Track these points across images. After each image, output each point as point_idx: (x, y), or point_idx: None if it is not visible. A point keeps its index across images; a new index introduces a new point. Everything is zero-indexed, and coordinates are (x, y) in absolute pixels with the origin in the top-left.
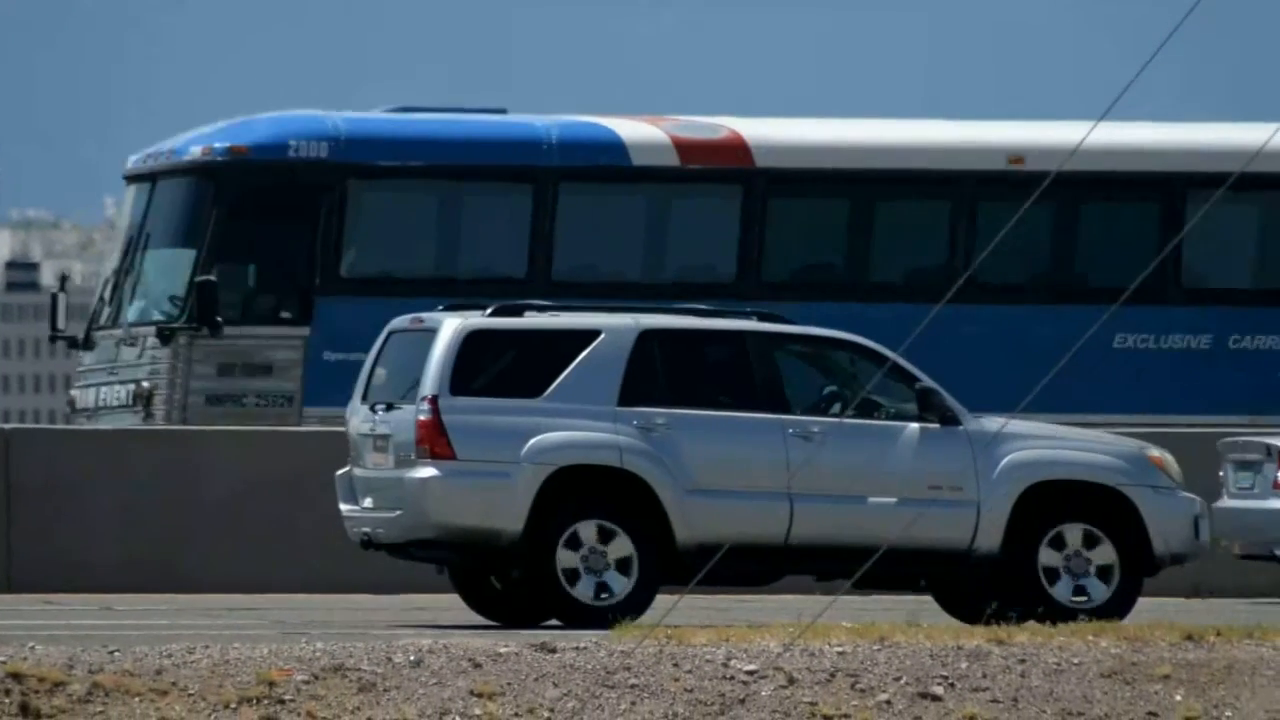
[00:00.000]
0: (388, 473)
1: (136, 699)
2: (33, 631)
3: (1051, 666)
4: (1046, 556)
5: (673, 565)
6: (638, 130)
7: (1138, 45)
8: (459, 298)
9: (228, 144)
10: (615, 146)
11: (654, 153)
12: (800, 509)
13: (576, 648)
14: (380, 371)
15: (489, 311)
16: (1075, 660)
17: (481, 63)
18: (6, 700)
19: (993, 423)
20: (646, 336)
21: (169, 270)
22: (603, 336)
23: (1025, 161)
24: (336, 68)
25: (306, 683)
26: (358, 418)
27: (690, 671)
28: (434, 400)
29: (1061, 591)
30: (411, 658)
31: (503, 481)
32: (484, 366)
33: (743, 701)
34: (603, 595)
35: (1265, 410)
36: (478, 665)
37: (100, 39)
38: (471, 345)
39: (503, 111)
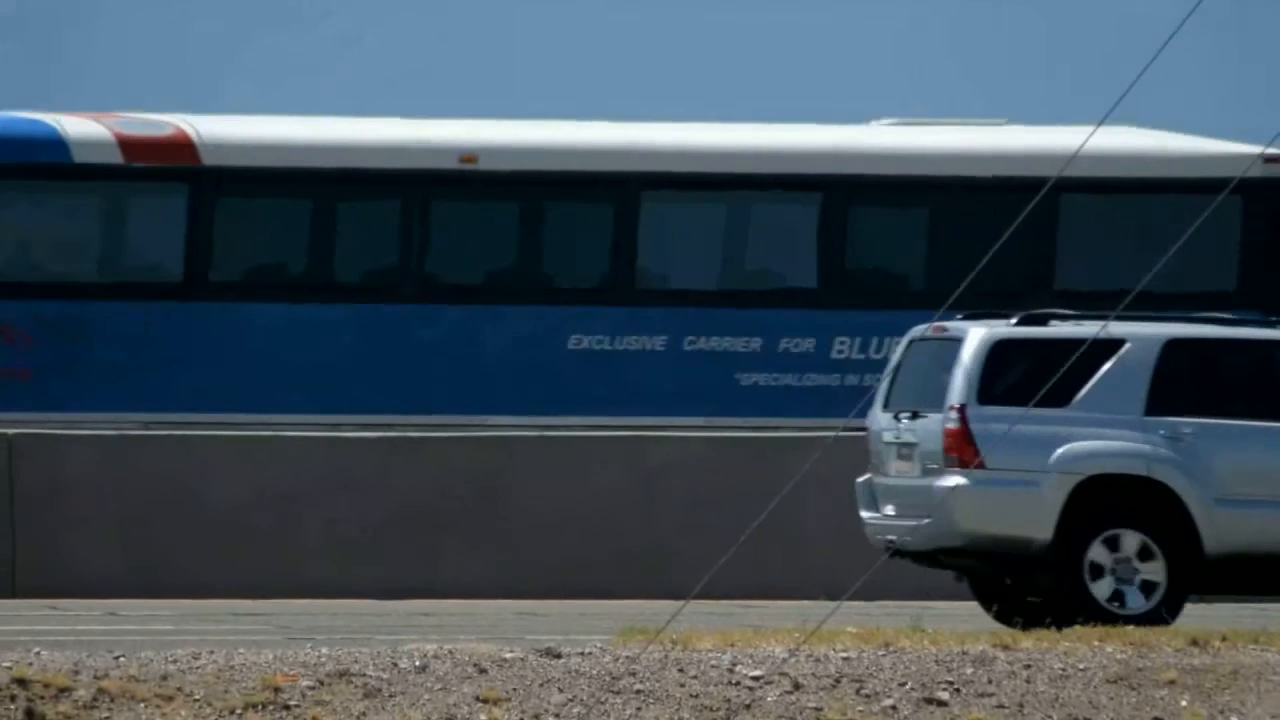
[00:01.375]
0: (913, 481)
1: (142, 704)
2: (38, 637)
3: (1057, 672)
4: None
5: (1200, 575)
6: (80, 127)
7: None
8: None
9: None
10: (56, 143)
11: (97, 150)
12: None
13: (582, 653)
14: (902, 379)
15: (1015, 320)
16: (1081, 666)
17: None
18: (12, 706)
19: None
20: (1172, 345)
21: None
22: (1128, 345)
23: (479, 160)
24: None
25: (312, 688)
26: (879, 425)
27: (695, 677)
28: (962, 409)
29: None
30: (417, 663)
31: (1031, 490)
32: (1009, 375)
33: (748, 707)
34: (1130, 604)
35: (722, 412)
36: (483, 671)
37: None
38: (998, 354)
39: None
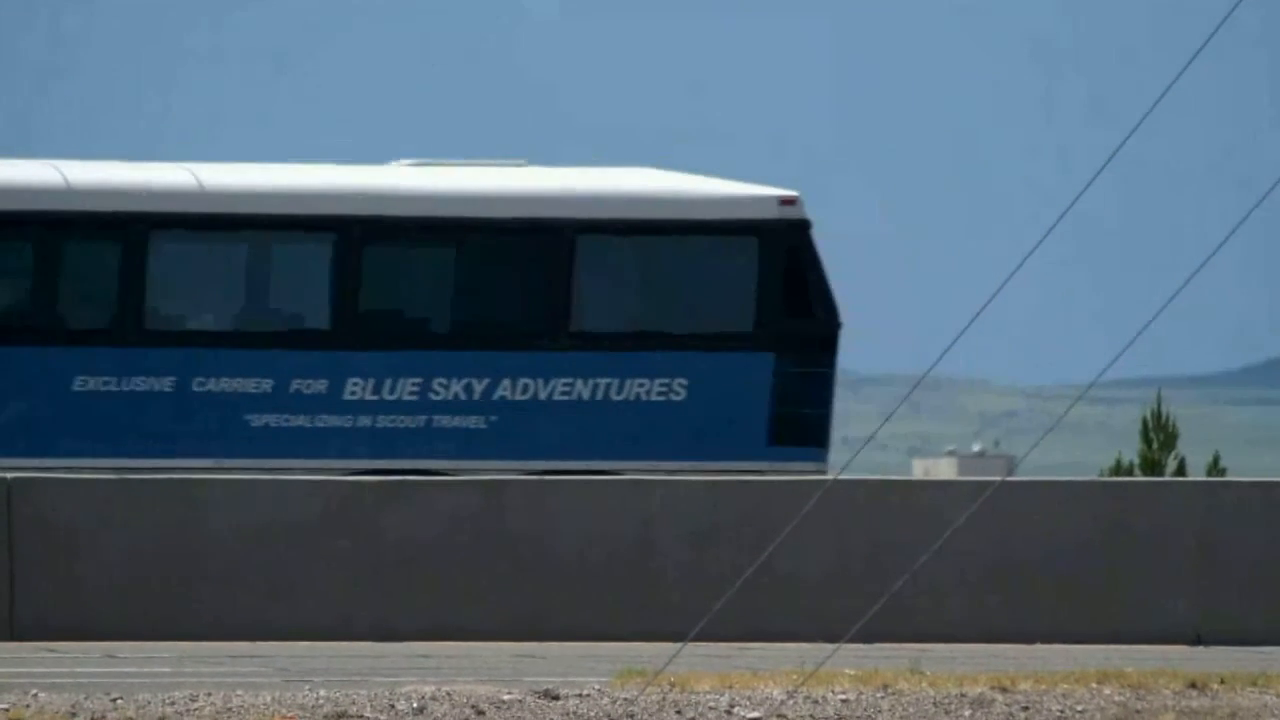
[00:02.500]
0: None
1: None
2: (35, 679)
3: (1055, 714)
4: None
5: None
6: None
7: None
8: None
9: None
10: None
11: None
12: None
13: (580, 695)
14: None
15: None
16: (1079, 708)
17: None
18: None
19: None
20: None
21: None
22: None
23: None
24: None
25: None
26: None
27: (693, 719)
28: None
29: None
30: (415, 705)
31: None
32: None
33: None
34: None
35: (233, 453)
36: (481, 713)
37: None
38: None
39: None
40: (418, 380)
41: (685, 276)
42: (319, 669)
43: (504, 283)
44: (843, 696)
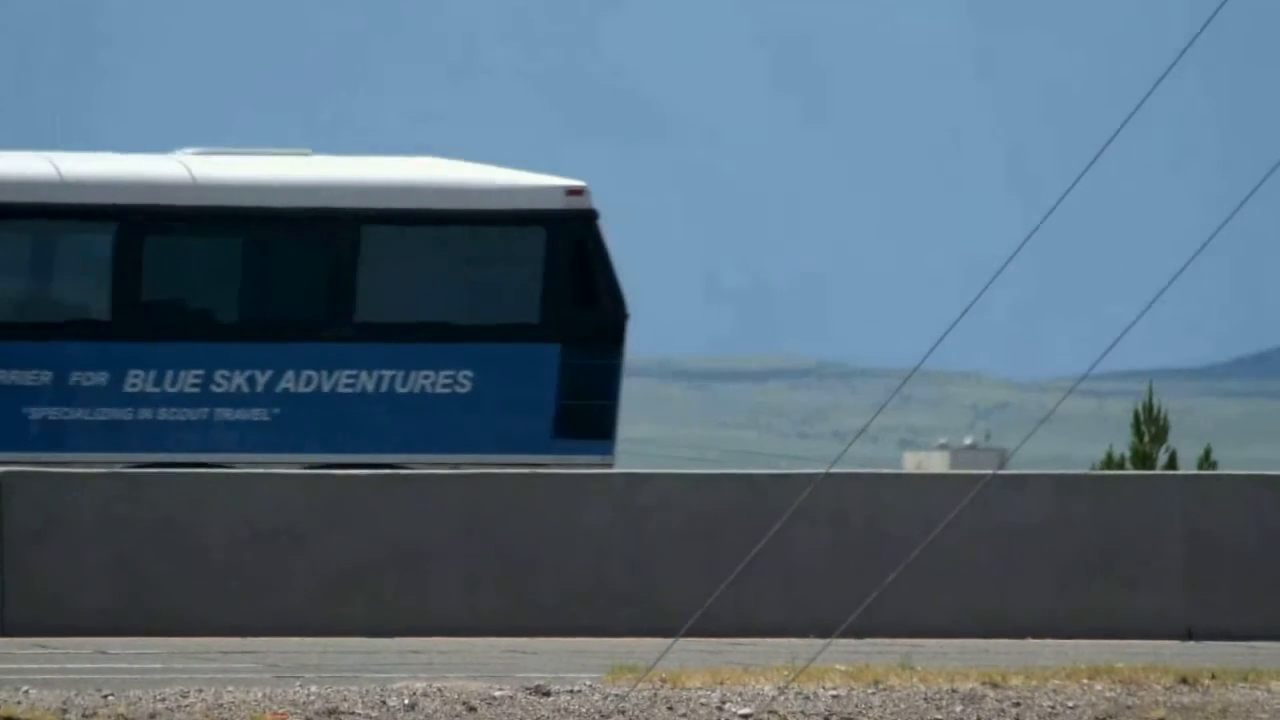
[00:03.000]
0: None
1: None
2: (27, 675)
3: (1046, 710)
4: None
5: None
6: None
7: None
8: None
9: None
10: None
11: None
12: None
13: (571, 691)
14: None
15: None
16: (1069, 704)
17: None
18: None
19: None
20: None
21: None
22: None
23: None
24: None
25: None
26: None
27: (684, 715)
28: None
29: None
30: (406, 701)
31: None
32: None
33: None
34: None
35: None
36: (472, 709)
37: None
38: None
39: None
40: (200, 372)
41: (471, 267)
42: (310, 665)
43: (288, 273)
44: (834, 692)
